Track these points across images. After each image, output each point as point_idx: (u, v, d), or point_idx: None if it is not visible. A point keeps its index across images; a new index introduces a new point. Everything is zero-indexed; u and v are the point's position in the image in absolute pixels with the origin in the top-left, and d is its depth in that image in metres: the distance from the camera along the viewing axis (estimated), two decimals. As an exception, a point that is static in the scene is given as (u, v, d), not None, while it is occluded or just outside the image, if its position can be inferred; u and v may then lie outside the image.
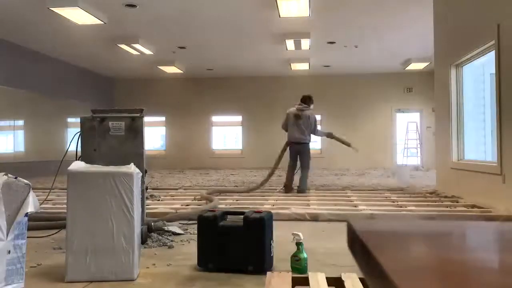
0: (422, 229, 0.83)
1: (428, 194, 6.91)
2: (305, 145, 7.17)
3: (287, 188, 7.18)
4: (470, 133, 6.87)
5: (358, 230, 0.72)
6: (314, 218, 4.93)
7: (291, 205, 5.58)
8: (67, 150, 4.12)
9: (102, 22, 8.61)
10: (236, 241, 2.97)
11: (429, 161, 14.24)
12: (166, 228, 4.28)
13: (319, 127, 7.34)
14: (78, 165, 3.05)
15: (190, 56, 12.46)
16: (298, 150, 7.16)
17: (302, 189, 7.05)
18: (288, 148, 7.24)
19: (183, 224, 4.63)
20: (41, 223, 4.58)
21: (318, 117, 15.60)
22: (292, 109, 7.22)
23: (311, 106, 7.26)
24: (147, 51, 11.25)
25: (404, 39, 10.64)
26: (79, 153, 3.90)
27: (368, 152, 15.02)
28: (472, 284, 0.51)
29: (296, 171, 7.22)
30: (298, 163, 7.20)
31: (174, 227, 4.39)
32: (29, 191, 2.56)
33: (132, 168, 2.99)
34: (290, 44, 10.59)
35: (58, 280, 2.84)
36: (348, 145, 7.78)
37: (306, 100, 7.24)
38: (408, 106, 15.20)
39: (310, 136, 7.19)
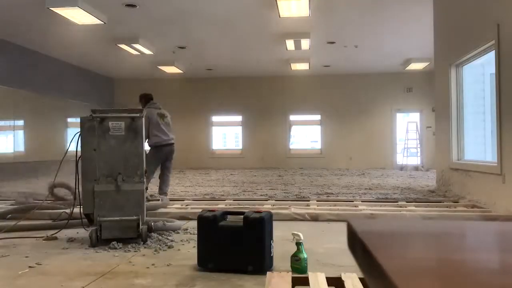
0: (422, 229, 0.83)
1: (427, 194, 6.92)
2: (174, 146, 6.40)
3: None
4: (470, 133, 6.86)
5: (358, 230, 0.72)
6: (314, 218, 4.93)
7: (291, 205, 5.59)
8: (67, 150, 4.13)
9: (102, 22, 8.60)
10: (236, 241, 2.97)
11: (429, 161, 14.24)
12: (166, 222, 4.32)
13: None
14: None
15: (190, 56, 12.45)
16: (170, 152, 6.33)
17: (166, 192, 6.31)
18: (156, 152, 6.16)
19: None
20: (41, 223, 4.58)
21: (318, 117, 15.74)
22: (153, 109, 6.30)
23: None
24: (147, 51, 11.25)
25: (404, 39, 10.63)
26: (79, 153, 3.90)
27: (368, 152, 15.04)
28: (472, 284, 0.51)
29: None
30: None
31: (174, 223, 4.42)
32: None
33: None
34: (290, 44, 10.59)
35: (58, 280, 2.84)
36: None
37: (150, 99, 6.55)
38: (408, 106, 15.20)
39: None
